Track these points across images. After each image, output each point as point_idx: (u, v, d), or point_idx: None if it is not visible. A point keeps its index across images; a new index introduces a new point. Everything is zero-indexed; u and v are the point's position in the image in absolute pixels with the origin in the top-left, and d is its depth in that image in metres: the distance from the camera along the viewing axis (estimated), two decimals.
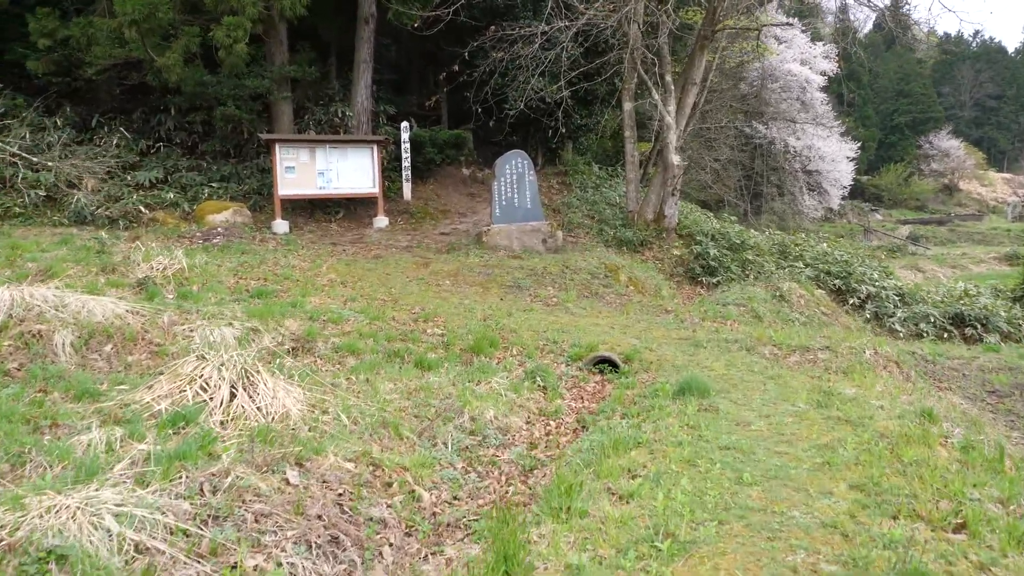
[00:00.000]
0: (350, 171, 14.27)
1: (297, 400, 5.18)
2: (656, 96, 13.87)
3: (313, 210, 14.86)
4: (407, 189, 15.51)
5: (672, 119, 14.02)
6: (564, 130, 17.48)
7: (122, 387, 5.36)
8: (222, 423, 4.66)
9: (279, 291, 9.27)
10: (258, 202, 14.45)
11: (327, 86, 16.70)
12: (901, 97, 56.48)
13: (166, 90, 14.43)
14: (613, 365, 7.19)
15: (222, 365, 5.15)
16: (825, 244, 16.26)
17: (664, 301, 11.06)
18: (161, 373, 5.38)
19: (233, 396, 5.02)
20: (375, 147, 14.40)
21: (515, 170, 13.06)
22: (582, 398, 6.61)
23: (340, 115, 15.74)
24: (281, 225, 13.52)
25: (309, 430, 4.67)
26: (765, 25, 13.48)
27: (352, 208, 15.19)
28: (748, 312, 10.67)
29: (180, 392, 4.97)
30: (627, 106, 14.84)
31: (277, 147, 13.56)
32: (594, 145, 22.98)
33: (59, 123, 14.08)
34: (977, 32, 75.32)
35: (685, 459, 4.36)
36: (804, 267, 14.44)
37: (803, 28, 35.72)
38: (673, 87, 14.18)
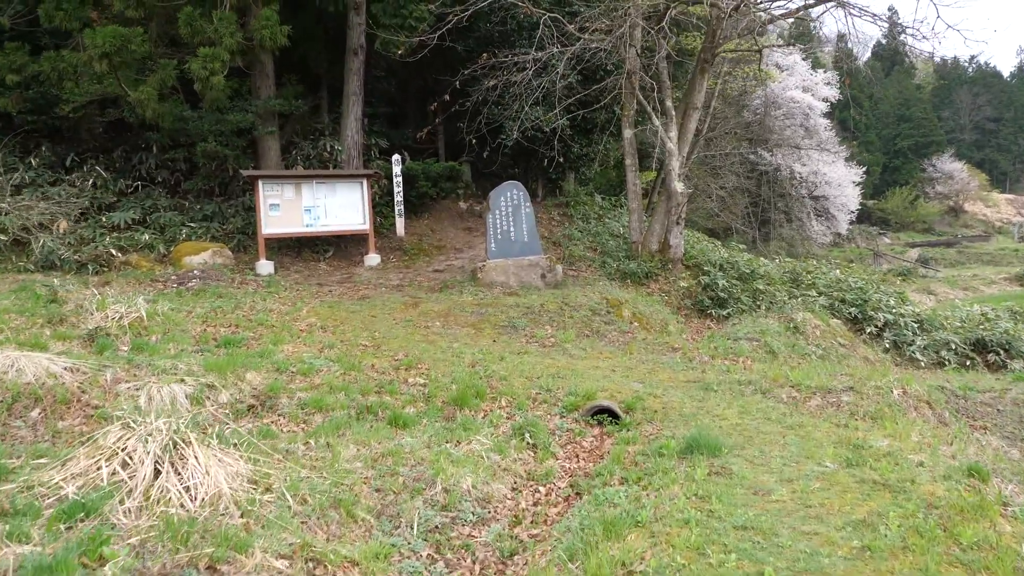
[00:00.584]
0: (339, 207, 13.64)
1: (236, 475, 4.41)
2: (656, 122, 13.23)
3: (300, 249, 14.20)
4: (400, 225, 14.86)
5: (674, 145, 13.36)
6: (564, 160, 16.90)
7: (41, 461, 4.62)
8: (140, 509, 3.89)
9: (250, 339, 8.55)
10: (242, 242, 13.81)
11: (316, 120, 16.17)
12: (903, 122, 56.09)
13: (144, 127, 13.88)
14: (613, 415, 6.40)
15: (148, 435, 4.39)
16: (838, 271, 15.47)
17: (671, 338, 10.28)
18: (85, 443, 4.63)
19: (159, 474, 4.27)
20: (365, 181, 13.77)
21: (511, 202, 12.38)
22: (577, 456, 5.81)
23: (329, 150, 15.15)
24: (265, 266, 12.84)
25: (241, 515, 3.89)
26: (766, 47, 12.87)
27: (342, 246, 14.53)
28: (761, 347, 9.87)
29: (97, 470, 4.22)
30: (627, 133, 14.19)
31: (260, 183, 12.94)
32: (597, 176, 22.37)
33: (34, 163, 13.56)
34: (973, 57, 75.26)
35: (692, 546, 3.56)
36: (818, 296, 13.64)
37: (804, 55, 35.48)
38: (674, 113, 13.54)
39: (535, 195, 18.54)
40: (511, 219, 12.34)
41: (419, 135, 13.50)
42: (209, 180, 14.76)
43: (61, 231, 12.52)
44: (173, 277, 11.45)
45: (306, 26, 15.39)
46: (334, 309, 10.33)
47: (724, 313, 12.54)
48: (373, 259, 13.85)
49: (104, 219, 13.02)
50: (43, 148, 14.21)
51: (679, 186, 13.44)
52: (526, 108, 13.28)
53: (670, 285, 13.29)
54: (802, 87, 34.76)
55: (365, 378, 7.22)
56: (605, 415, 6.43)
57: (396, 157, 14.57)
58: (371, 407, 6.45)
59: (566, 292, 11.39)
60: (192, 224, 13.42)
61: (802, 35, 35.10)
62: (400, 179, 14.63)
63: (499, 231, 12.31)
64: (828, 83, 35.63)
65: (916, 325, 12.91)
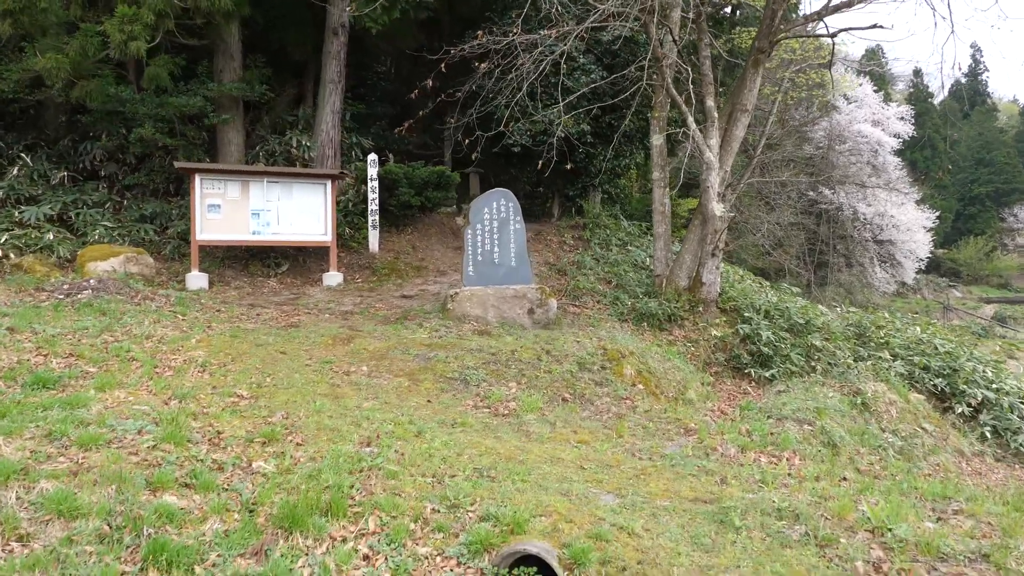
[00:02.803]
0: (295, 213, 11.16)
1: None
2: (692, 125, 10.44)
3: (249, 261, 11.74)
4: (373, 239, 12.30)
5: (714, 156, 10.56)
6: (584, 175, 14.26)
7: None
8: None
9: (80, 377, 6.06)
10: (180, 249, 11.45)
11: (291, 113, 13.78)
12: (981, 166, 51.56)
13: (74, 108, 11.67)
14: (547, 572, 3.62)
15: None
16: (918, 328, 12.29)
17: (686, 411, 7.40)
18: None
19: None
20: (329, 183, 11.28)
21: (496, 214, 9.72)
22: None
23: (297, 145, 12.73)
24: (196, 279, 10.42)
25: None
26: (841, 31, 10.06)
27: (301, 260, 12.03)
28: (816, 433, 6.95)
29: None
30: (656, 139, 11.46)
31: (197, 178, 10.55)
32: (635, 200, 19.60)
33: None
34: None
35: None
36: (892, 359, 10.59)
37: (875, 87, 32.46)
38: (716, 115, 10.76)
39: (550, 214, 15.90)
40: (496, 237, 9.67)
41: (398, 130, 10.98)
42: (155, 175, 12.45)
43: None
44: (65, 286, 9.07)
45: (288, 4, 13.10)
46: (238, 339, 7.77)
47: (767, 375, 9.60)
48: (334, 278, 11.30)
49: (18, 214, 10.77)
50: None
51: (718, 208, 10.61)
52: (521, 97, 10.55)
53: (699, 333, 10.40)
54: (871, 120, 31.57)
55: (182, 458, 4.59)
56: (533, 568, 3.64)
57: (372, 157, 12.06)
58: (142, 519, 3.80)
59: (555, 335, 8.63)
60: (108, 224, 11.08)
61: (871, 72, 32.17)
62: (375, 183, 12.10)
63: (480, 251, 9.65)
64: (902, 118, 32.41)
65: None
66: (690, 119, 10.45)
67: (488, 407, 6.44)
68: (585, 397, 6.99)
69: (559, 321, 9.66)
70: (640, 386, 7.53)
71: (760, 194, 24.22)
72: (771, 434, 6.61)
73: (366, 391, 6.53)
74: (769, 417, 7.32)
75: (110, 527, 3.78)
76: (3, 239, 10.08)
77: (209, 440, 5.00)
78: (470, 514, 4.13)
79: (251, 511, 4.07)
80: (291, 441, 5.14)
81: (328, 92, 12.72)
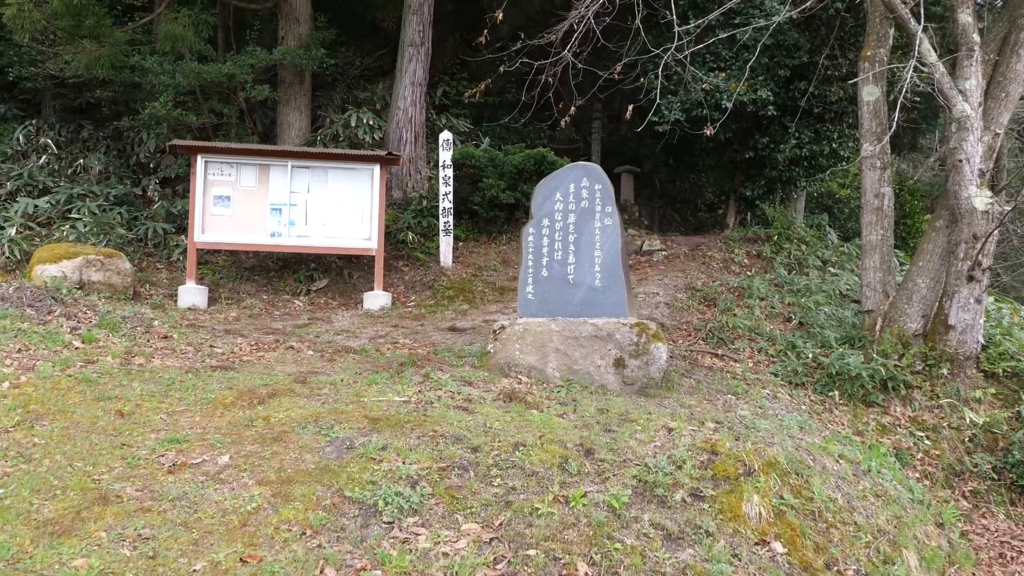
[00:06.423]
0: (330, 209, 8.18)
1: None
2: (931, 57, 6.01)
3: (278, 274, 8.89)
4: (446, 248, 8.95)
5: (972, 108, 6.05)
6: (764, 165, 10.04)
7: None
8: None
9: None
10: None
11: (367, 89, 10.91)
12: None
13: (84, 84, 9.70)
14: None
15: None
16: None
17: None
18: None
19: None
20: (377, 169, 8.16)
21: (572, 204, 5.94)
22: None
23: (357, 124, 9.78)
24: (191, 293, 7.75)
25: None
26: None
27: (346, 275, 8.98)
28: None
29: None
30: (867, 93, 7.09)
31: (200, 160, 7.90)
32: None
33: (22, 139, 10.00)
34: None
35: None
36: None
37: None
38: (978, 39, 6.25)
39: (723, 225, 11.65)
40: (571, 239, 5.89)
41: (467, 95, 7.60)
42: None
43: None
44: None
45: None
46: (85, 385, 4.79)
47: None
48: (377, 299, 8.11)
49: (13, 210, 8.86)
50: (31, 123, 10.66)
51: (979, 197, 6.02)
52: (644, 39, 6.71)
53: (940, 415, 5.84)
54: None
55: None
56: None
57: (445, 136, 8.74)
58: None
59: (640, 410, 4.67)
60: (85, 219, 8.73)
61: None
62: (450, 171, 8.76)
63: (545, 262, 5.93)
64: None
65: None
66: (925, 44, 6.00)
67: None
68: None
69: (672, 382, 5.65)
70: (776, 545, 3.39)
71: None
72: None
73: (154, 517, 3.13)
74: None
75: None
76: None
77: None
78: None
79: None
80: None
81: (407, 58, 9.68)
